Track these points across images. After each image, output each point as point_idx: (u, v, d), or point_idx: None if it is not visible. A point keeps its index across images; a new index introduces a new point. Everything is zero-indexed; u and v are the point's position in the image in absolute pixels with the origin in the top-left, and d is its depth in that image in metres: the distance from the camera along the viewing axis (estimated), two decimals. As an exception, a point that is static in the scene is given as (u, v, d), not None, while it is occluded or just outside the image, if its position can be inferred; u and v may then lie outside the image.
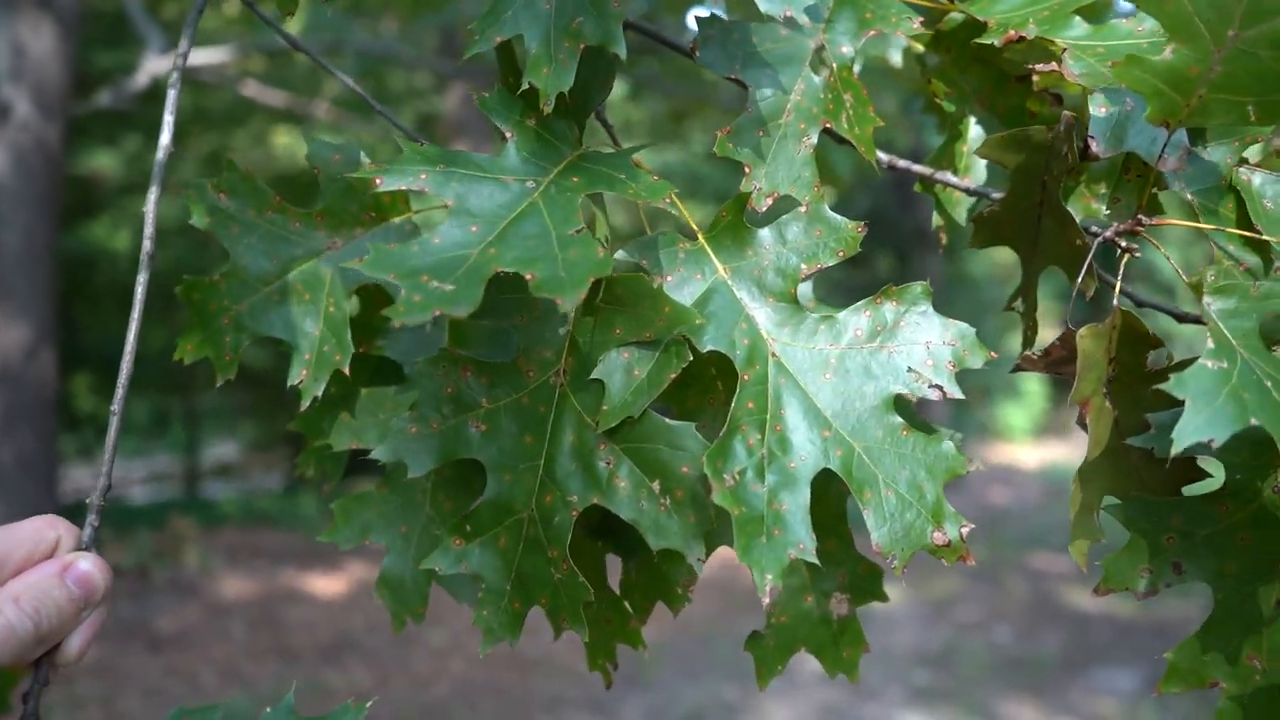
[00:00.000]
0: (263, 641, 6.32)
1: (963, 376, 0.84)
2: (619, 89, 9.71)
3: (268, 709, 0.85)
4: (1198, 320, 0.86)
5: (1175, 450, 0.67)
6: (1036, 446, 15.17)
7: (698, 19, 0.97)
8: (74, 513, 0.90)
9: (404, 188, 0.84)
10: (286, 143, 10.63)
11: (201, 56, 6.89)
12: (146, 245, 1.03)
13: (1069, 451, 14.75)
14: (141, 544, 7.73)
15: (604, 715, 5.32)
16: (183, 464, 11.46)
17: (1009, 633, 6.77)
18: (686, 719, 5.25)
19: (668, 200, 0.88)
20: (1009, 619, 7.08)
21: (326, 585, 7.47)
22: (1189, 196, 0.87)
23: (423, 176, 0.84)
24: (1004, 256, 14.86)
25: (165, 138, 1.09)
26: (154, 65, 6.37)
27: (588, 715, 5.32)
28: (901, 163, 1.03)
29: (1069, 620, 6.99)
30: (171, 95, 1.11)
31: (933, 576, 7.79)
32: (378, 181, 0.84)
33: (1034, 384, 15.95)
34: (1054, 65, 0.90)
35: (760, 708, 5.37)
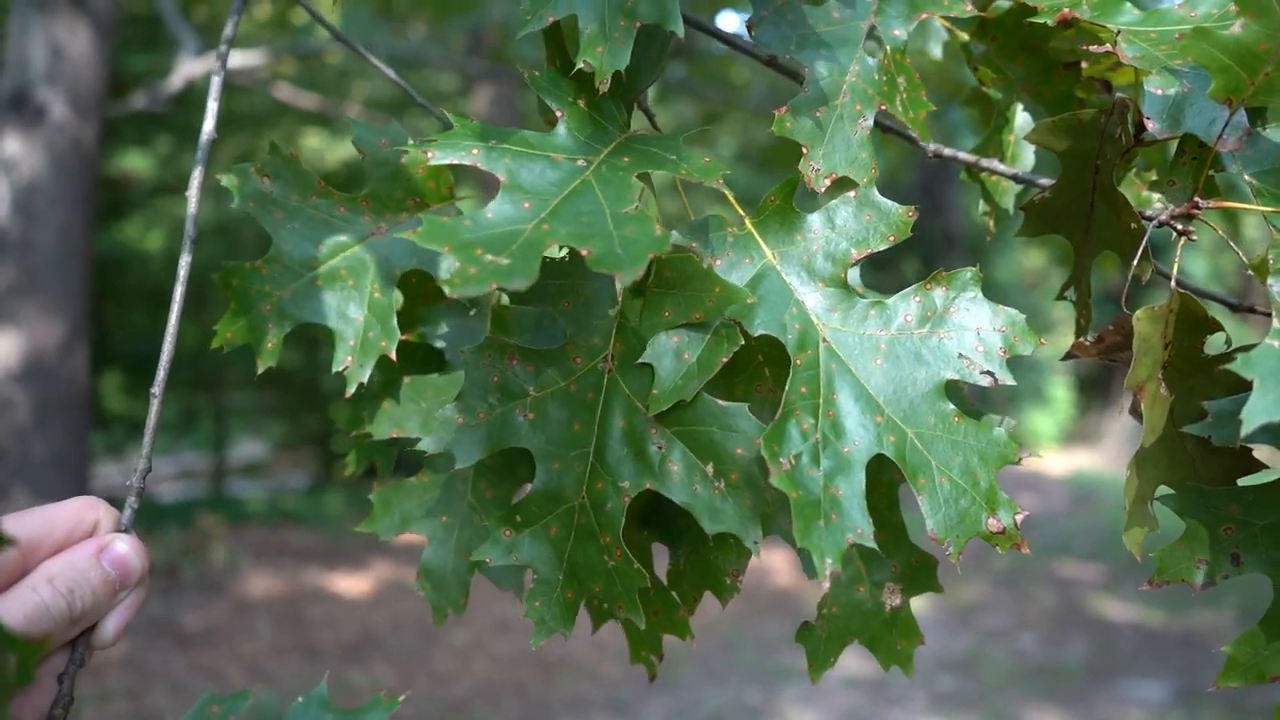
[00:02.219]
0: (288, 639, 6.36)
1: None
2: (649, 90, 9.70)
3: (299, 699, 0.85)
4: (1251, 310, 0.85)
5: (1245, 430, 0.65)
6: (1064, 454, 15.04)
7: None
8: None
9: (455, 162, 0.83)
10: (316, 145, 10.71)
11: (234, 60, 6.95)
12: (190, 229, 1.03)
13: (1096, 459, 14.62)
14: (170, 541, 7.79)
15: (626, 716, 5.31)
16: (211, 462, 11.54)
17: (1034, 641, 6.71)
18: (710, 722, 5.23)
19: (720, 181, 0.87)
20: (1034, 627, 7.01)
21: (351, 584, 7.50)
22: (1247, 178, 0.85)
23: (474, 151, 0.84)
24: (1032, 262, 14.75)
25: (209, 124, 1.10)
26: (188, 68, 6.44)
27: (610, 716, 5.31)
28: (949, 151, 1.02)
29: (1095, 629, 6.92)
30: (215, 82, 1.12)
31: (958, 583, 7.74)
32: (429, 155, 0.83)
33: (1061, 391, 15.81)
34: (1108, 47, 0.89)
35: (783, 711, 5.34)
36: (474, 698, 5.53)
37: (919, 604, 7.24)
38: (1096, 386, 16.62)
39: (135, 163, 9.51)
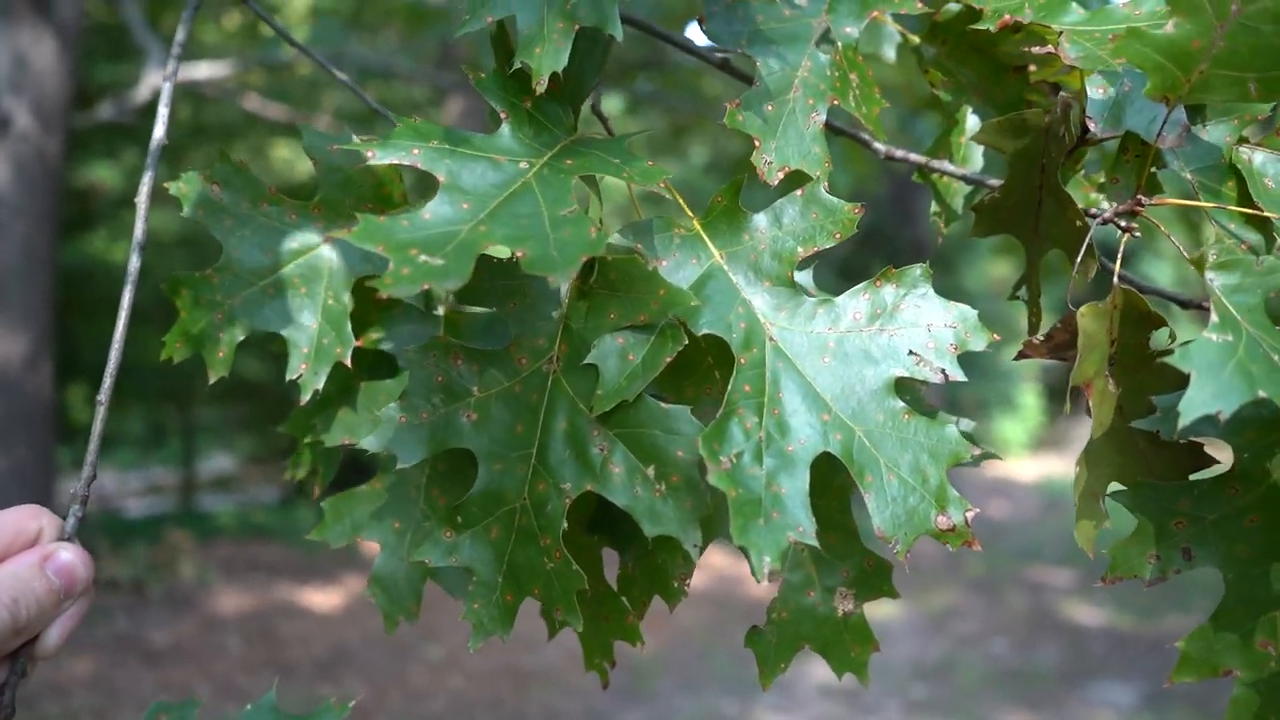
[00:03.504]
0: (258, 655, 6.29)
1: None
2: (618, 103, 9.74)
3: (248, 706, 0.84)
4: (1199, 306, 0.85)
5: (1183, 423, 0.65)
6: (1034, 460, 15.15)
7: None
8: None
9: (395, 161, 0.83)
10: (286, 156, 10.65)
11: (202, 70, 6.90)
12: (138, 235, 1.02)
13: (1066, 465, 14.72)
14: (137, 557, 7.69)
15: (602, 729, 5.29)
16: (179, 477, 11.41)
17: (1007, 646, 6.74)
18: (684, 732, 5.22)
19: (662, 185, 0.87)
20: (1007, 632, 7.05)
21: (323, 599, 7.43)
22: (1188, 175, 0.86)
23: (415, 152, 0.84)
24: (999, 271, 14.88)
25: (159, 130, 1.09)
26: (155, 79, 6.38)
27: (585, 728, 5.28)
28: (900, 152, 1.02)
29: (1067, 633, 6.96)
30: (166, 88, 1.11)
31: (931, 589, 7.76)
32: (370, 154, 0.83)
33: (1030, 398, 15.93)
34: (1050, 48, 0.90)
35: (758, 721, 5.33)
36: (448, 713, 5.49)
37: (892, 612, 7.27)
38: (1066, 393, 16.71)
39: (102, 174, 9.42)
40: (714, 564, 7.35)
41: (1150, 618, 7.05)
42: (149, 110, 6.97)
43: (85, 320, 9.08)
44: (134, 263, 0.99)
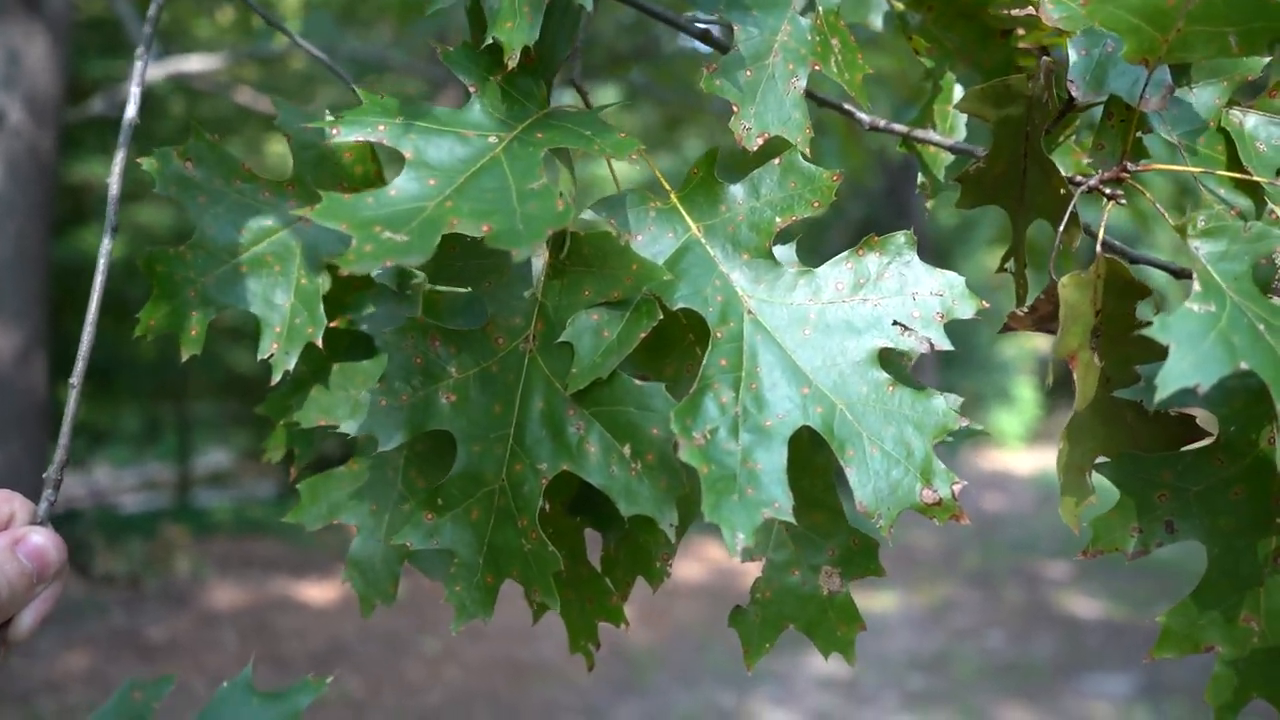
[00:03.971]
0: (254, 650, 6.27)
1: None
2: (612, 95, 9.71)
3: (224, 683, 0.83)
4: (1190, 275, 0.84)
5: (1160, 396, 0.63)
6: (1030, 452, 15.13)
7: None
8: (63, 522, 0.88)
9: (362, 138, 0.81)
10: (280, 151, 10.61)
11: (195, 64, 6.87)
12: (111, 216, 1.01)
13: (1065, 458, 14.68)
14: (133, 552, 7.67)
15: (598, 721, 5.28)
16: (175, 472, 11.38)
17: (1003, 638, 6.73)
18: (681, 725, 5.21)
19: (635, 156, 0.85)
20: (1003, 624, 7.04)
21: (319, 593, 7.42)
22: (1175, 139, 0.84)
23: (380, 128, 0.82)
24: (991, 261, 14.86)
25: (131, 110, 1.08)
26: (147, 73, 6.36)
27: (581, 721, 5.27)
28: (884, 122, 1.00)
29: (1063, 625, 6.96)
30: (138, 66, 1.11)
31: (927, 582, 7.75)
32: (335, 131, 0.81)
33: (1027, 390, 15.92)
34: (1031, 10, 0.88)
35: (755, 713, 5.32)
36: (445, 706, 5.48)
37: (888, 604, 7.26)
38: (1062, 385, 16.74)
39: (95, 170, 9.39)
40: (711, 557, 7.35)
41: (1146, 609, 7.04)
42: (142, 105, 6.95)
43: (79, 317, 9.05)
44: (106, 243, 0.98)
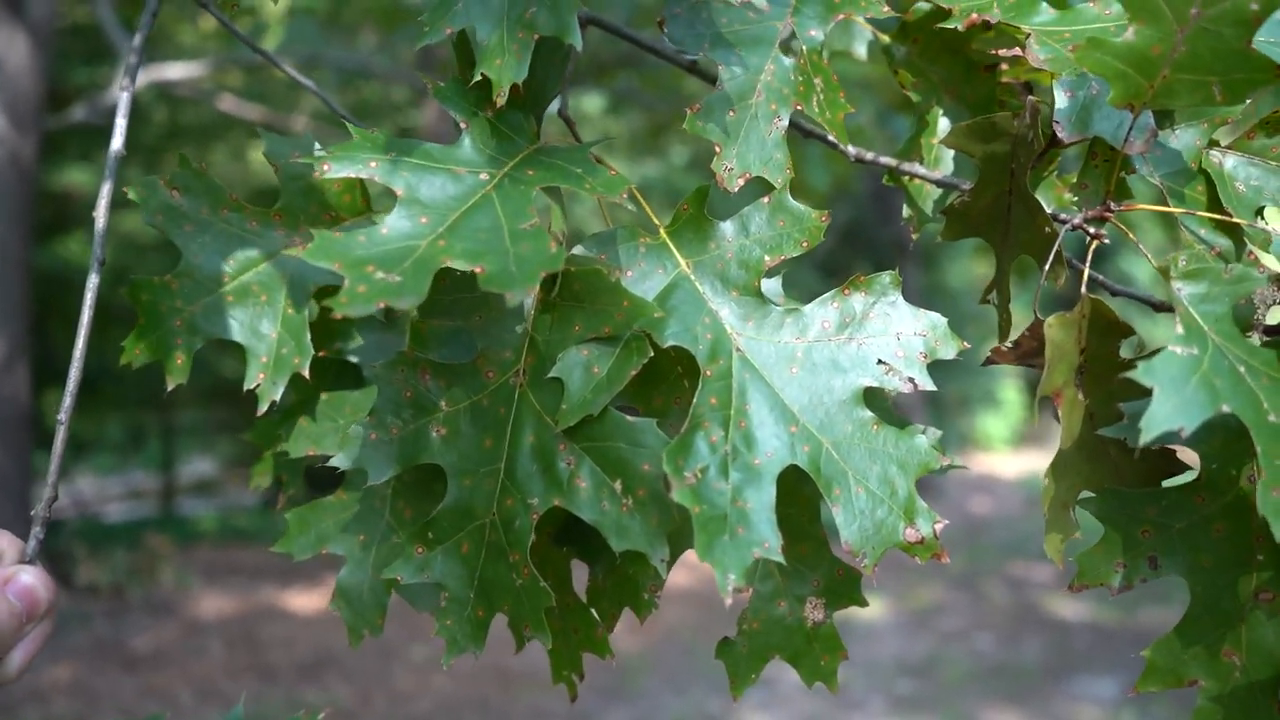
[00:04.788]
0: (241, 660, 6.24)
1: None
2: (597, 102, 9.71)
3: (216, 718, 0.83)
4: (1171, 309, 0.84)
5: (1144, 440, 0.64)
6: (1016, 456, 15.20)
7: None
8: (45, 531, 0.88)
9: (352, 174, 0.81)
10: (264, 159, 10.57)
11: (178, 71, 6.85)
12: (97, 250, 1.00)
13: (1048, 461, 14.75)
14: (117, 562, 7.62)
15: (587, 729, 5.27)
16: (159, 481, 11.33)
17: (991, 641, 6.76)
18: (669, 732, 5.21)
19: (625, 195, 0.86)
20: (991, 627, 7.07)
21: (305, 602, 7.39)
22: (1157, 181, 0.85)
23: (372, 164, 0.82)
24: (982, 268, 14.93)
25: (117, 142, 1.07)
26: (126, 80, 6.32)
27: (570, 729, 5.27)
28: (870, 155, 1.01)
29: (1050, 628, 6.99)
30: (124, 98, 1.10)
31: (914, 586, 7.78)
32: (325, 167, 0.81)
33: (1012, 393, 15.99)
34: (1018, 51, 0.88)
35: (743, 719, 5.33)
36: (434, 714, 5.47)
37: (876, 609, 7.28)
38: (1042, 372, 16.87)
39: (77, 178, 9.34)
40: (699, 564, 7.29)
41: (1132, 612, 7.08)
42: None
43: (62, 325, 9.00)
44: (93, 279, 0.97)
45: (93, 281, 0.97)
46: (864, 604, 0.98)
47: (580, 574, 1.00)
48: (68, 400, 0.95)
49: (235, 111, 7.88)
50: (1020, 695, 5.70)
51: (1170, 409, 0.64)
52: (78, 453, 10.33)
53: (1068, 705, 5.56)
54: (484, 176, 0.84)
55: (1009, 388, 15.93)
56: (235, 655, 6.32)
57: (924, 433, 0.83)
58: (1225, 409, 0.65)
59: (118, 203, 1.00)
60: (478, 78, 0.87)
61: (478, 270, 0.73)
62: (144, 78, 6.36)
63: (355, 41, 8.82)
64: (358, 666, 6.15)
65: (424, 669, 6.09)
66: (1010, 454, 15.31)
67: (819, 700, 5.55)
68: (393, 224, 0.78)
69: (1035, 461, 14.60)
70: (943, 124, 1.10)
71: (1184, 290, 0.75)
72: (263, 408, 1.02)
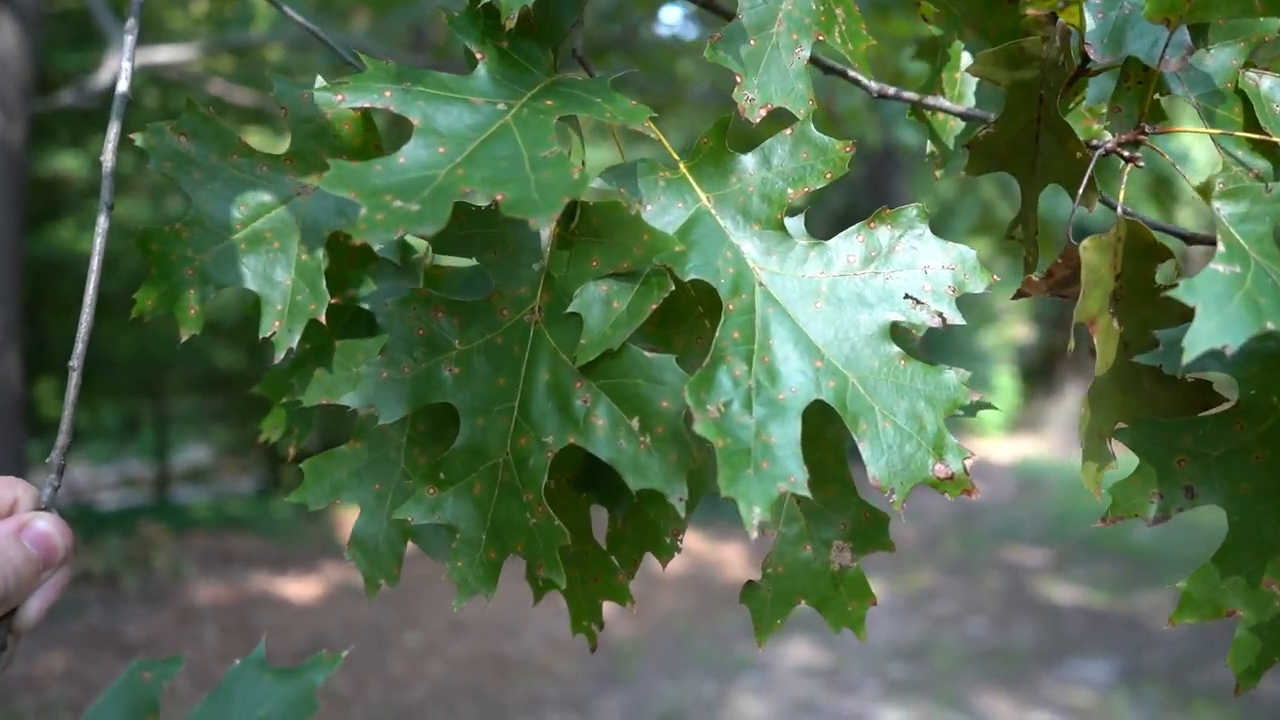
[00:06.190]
0: (236, 647, 6.22)
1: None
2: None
3: (237, 661, 0.81)
4: (1206, 241, 0.83)
5: (1187, 358, 0.63)
6: (1009, 441, 15.23)
7: None
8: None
9: (367, 105, 0.79)
10: (256, 143, 10.52)
11: (168, 54, 6.79)
12: (105, 194, 0.98)
13: (1041, 446, 14.82)
14: (111, 550, 7.59)
15: (582, 713, 5.27)
16: (153, 469, 11.28)
17: (984, 625, 6.77)
18: (665, 716, 5.20)
19: (646, 124, 0.84)
20: (984, 612, 7.08)
21: (300, 589, 7.37)
22: (1193, 101, 0.83)
23: (386, 94, 0.80)
24: (979, 245, 14.93)
25: (123, 84, 1.05)
26: (116, 62, 6.27)
27: (566, 714, 5.26)
28: (892, 90, 0.99)
29: (1043, 612, 7.00)
30: (129, 40, 1.08)
31: (908, 570, 7.79)
32: (339, 98, 0.79)
33: (1006, 379, 16.02)
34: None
35: (737, 703, 5.33)
36: (429, 701, 5.45)
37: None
38: (1041, 375, 16.91)
39: (68, 164, 9.27)
40: (693, 549, 7.34)
41: (1124, 595, 7.10)
42: (112, 95, 6.86)
43: (54, 313, 8.95)
44: (102, 223, 0.95)
45: (102, 225, 0.95)
46: (891, 548, 0.96)
47: (600, 522, 0.99)
48: (79, 346, 0.93)
49: (225, 95, 7.82)
50: (1013, 679, 5.71)
51: (1214, 327, 0.63)
52: (73, 441, 10.27)
53: (1060, 689, 5.57)
54: (501, 106, 0.83)
55: (1002, 374, 15.96)
56: (230, 642, 6.30)
57: (953, 370, 0.82)
58: (1270, 326, 0.63)
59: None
60: (485, 0, 0.85)
61: (498, 198, 0.71)
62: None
63: (348, 25, 8.76)
64: (353, 654, 6.13)
65: (419, 656, 6.07)
66: (1003, 439, 15.33)
67: (813, 684, 5.56)
68: (410, 153, 0.76)
69: (1028, 447, 14.64)
70: (965, 58, 1.08)
71: (1224, 210, 0.73)
72: (279, 356, 1.00)
